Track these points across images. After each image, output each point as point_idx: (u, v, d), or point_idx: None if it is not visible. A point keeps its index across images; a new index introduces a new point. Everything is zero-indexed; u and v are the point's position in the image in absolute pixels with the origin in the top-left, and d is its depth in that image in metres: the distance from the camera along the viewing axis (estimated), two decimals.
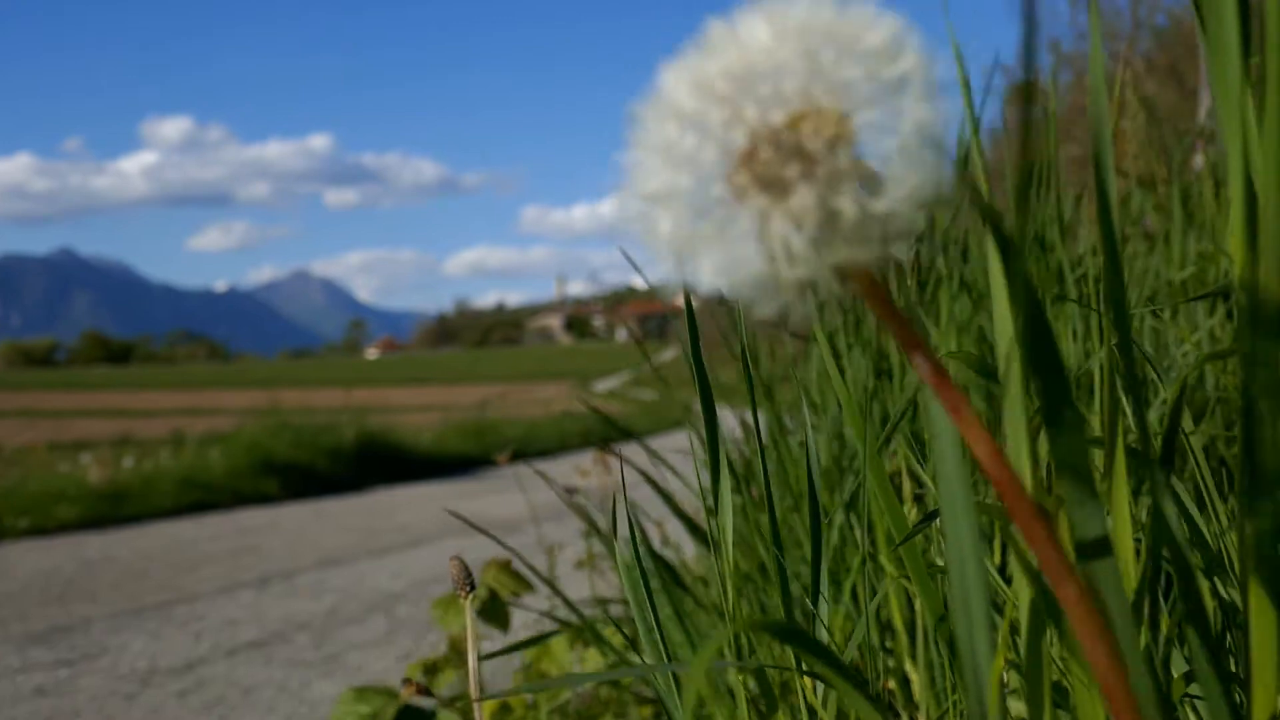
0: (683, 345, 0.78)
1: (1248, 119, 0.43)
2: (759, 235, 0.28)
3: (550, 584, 1.31)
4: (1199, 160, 2.59)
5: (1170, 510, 0.46)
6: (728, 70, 0.29)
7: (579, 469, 3.37)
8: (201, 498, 7.86)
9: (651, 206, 0.29)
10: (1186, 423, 0.74)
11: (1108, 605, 0.42)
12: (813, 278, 0.28)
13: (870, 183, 0.28)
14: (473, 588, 0.77)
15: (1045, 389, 0.39)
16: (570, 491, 2.21)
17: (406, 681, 0.97)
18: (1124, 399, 0.48)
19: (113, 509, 7.18)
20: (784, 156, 0.28)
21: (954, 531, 0.41)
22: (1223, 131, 0.43)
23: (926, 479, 1.02)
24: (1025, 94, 0.30)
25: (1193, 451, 0.74)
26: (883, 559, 1.20)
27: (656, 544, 2.05)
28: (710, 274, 0.29)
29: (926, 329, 1.27)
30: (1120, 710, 0.37)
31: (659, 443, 1.81)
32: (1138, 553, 0.52)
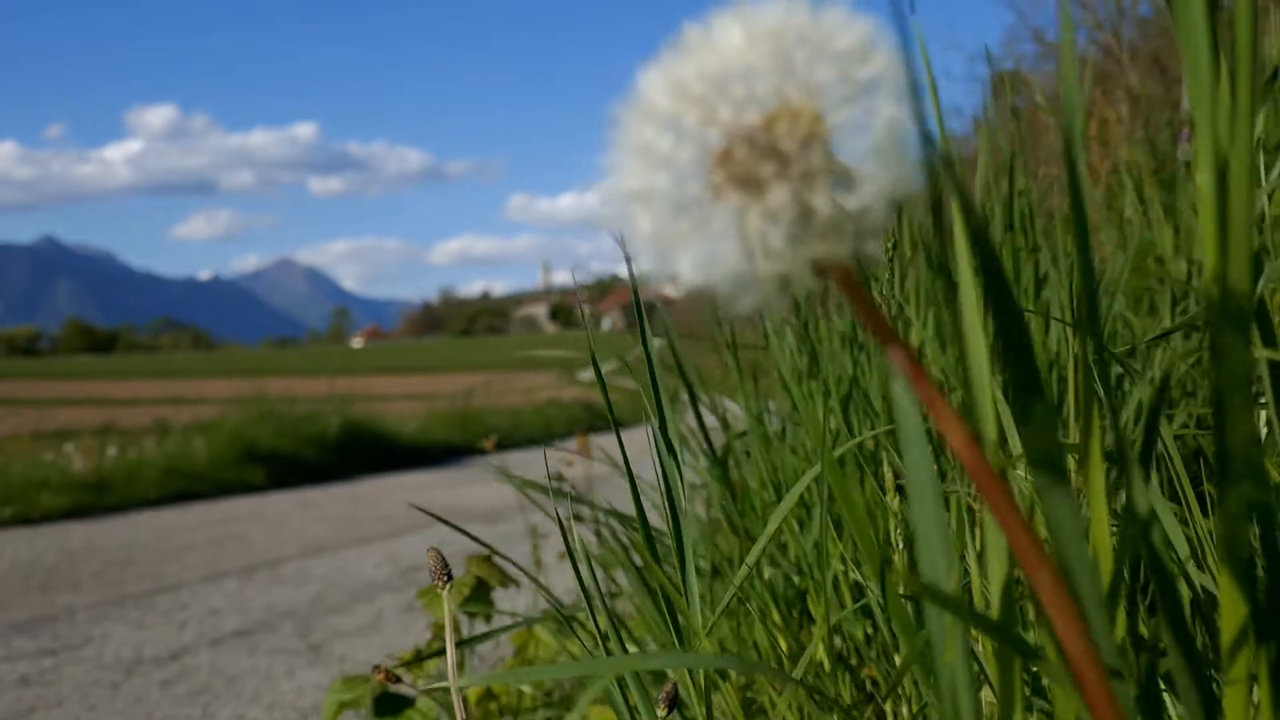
0: (643, 336, 0.78)
1: (1219, 113, 0.43)
2: (736, 232, 0.29)
3: (532, 577, 1.31)
4: (1184, 149, 2.60)
5: (1143, 502, 0.46)
6: (702, 72, 0.30)
7: (564, 458, 3.37)
8: (185, 487, 7.85)
9: (631, 205, 0.30)
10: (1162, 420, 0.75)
11: (1082, 595, 0.43)
12: (789, 273, 0.29)
13: (844, 180, 0.29)
14: (450, 578, 0.77)
15: (1016, 383, 0.40)
16: (558, 479, 2.21)
17: (377, 668, 0.98)
18: (1098, 391, 0.48)
19: (96, 498, 7.17)
20: (758, 155, 0.29)
21: (922, 518, 0.41)
22: (1194, 125, 0.44)
23: (902, 467, 1.03)
24: None
25: (1165, 445, 0.75)
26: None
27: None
28: (689, 270, 0.30)
29: (909, 326, 1.28)
30: (1092, 695, 0.37)
31: (643, 431, 1.81)
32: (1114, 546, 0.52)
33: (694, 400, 1.51)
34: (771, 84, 0.29)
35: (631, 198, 0.30)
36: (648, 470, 1.74)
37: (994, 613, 0.45)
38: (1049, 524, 0.42)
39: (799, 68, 0.29)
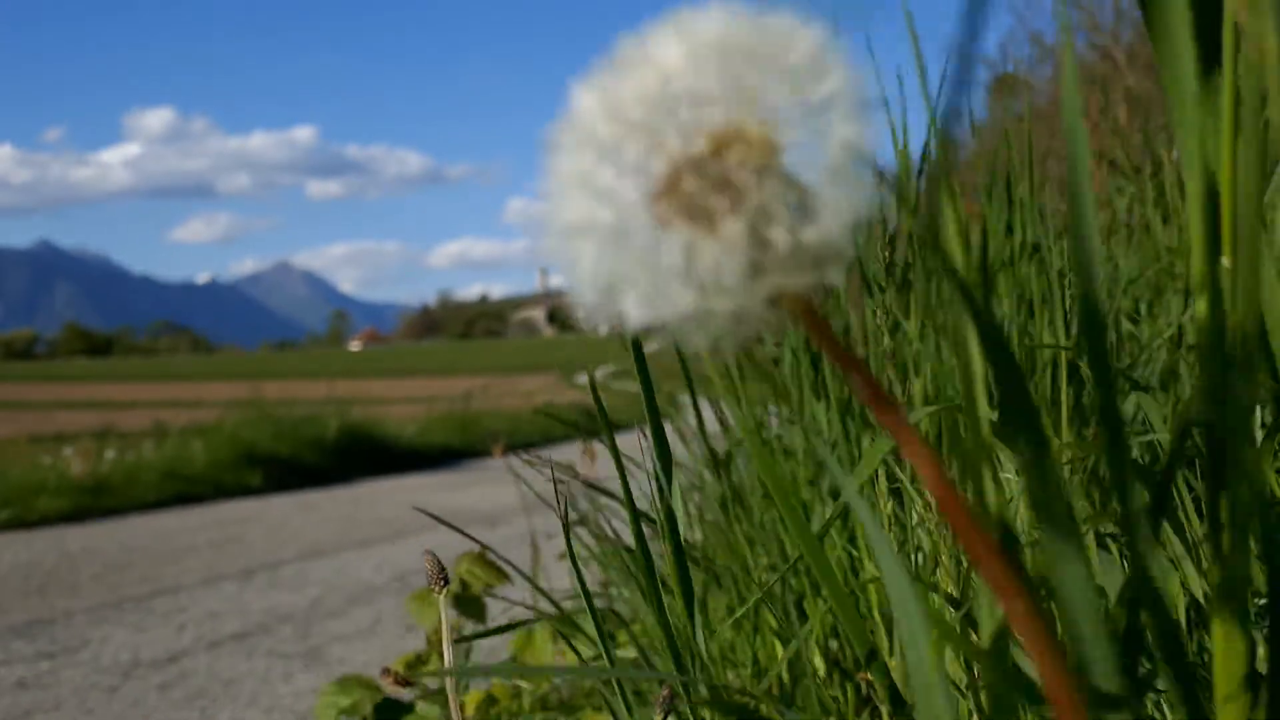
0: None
1: (1203, 113, 0.42)
2: (685, 267, 0.27)
3: (529, 578, 1.31)
4: (1177, 152, 2.60)
5: (1152, 558, 0.44)
6: (642, 93, 0.27)
7: (563, 460, 3.37)
8: (184, 490, 7.83)
9: (571, 239, 0.28)
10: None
11: (1081, 633, 0.41)
12: (743, 308, 0.27)
13: (802, 208, 0.26)
14: (446, 582, 0.78)
15: (1004, 417, 0.38)
16: (564, 479, 2.21)
17: (385, 672, 0.98)
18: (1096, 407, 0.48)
19: (94, 501, 7.15)
20: (709, 187, 0.26)
21: (890, 577, 0.41)
22: (1176, 127, 0.42)
23: (899, 473, 1.03)
24: None
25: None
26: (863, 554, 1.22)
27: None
28: (637, 308, 0.27)
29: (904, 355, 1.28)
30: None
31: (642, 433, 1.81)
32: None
33: (696, 406, 1.52)
34: (718, 106, 0.26)
35: (571, 231, 0.28)
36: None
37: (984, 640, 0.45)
38: (1050, 567, 0.41)
39: (748, 88, 0.26)
